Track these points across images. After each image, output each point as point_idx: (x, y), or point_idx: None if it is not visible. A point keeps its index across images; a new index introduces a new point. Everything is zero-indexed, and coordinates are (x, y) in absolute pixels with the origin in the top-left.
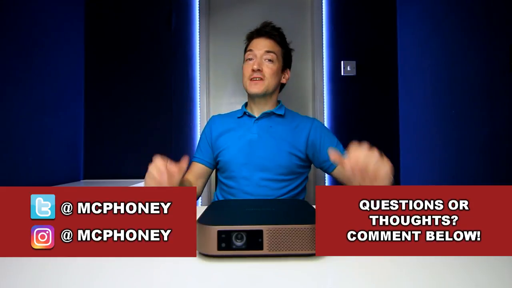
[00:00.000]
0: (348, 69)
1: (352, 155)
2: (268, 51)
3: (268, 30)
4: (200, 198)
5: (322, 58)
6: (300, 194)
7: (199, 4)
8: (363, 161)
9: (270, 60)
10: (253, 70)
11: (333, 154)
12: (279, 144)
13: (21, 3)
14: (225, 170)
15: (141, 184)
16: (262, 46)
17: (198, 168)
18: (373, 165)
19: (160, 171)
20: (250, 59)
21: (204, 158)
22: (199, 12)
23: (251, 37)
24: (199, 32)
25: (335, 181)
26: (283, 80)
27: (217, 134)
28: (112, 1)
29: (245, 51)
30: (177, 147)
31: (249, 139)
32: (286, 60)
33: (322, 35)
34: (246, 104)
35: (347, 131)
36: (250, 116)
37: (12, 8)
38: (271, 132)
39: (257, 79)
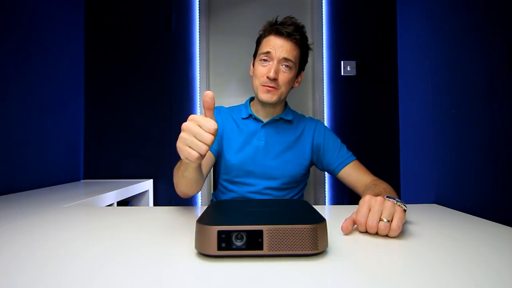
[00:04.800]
0: (348, 69)
1: (359, 222)
2: (286, 59)
3: (290, 31)
4: (200, 197)
5: (322, 58)
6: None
7: (199, 4)
8: (371, 231)
9: (287, 67)
10: (268, 78)
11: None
12: (285, 153)
13: (21, 3)
14: (228, 173)
15: (141, 184)
16: (281, 50)
17: (207, 157)
18: (382, 233)
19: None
20: (265, 60)
21: (213, 146)
22: (199, 12)
23: (269, 31)
24: (199, 32)
25: (336, 184)
26: (296, 85)
27: (222, 128)
28: (112, 1)
29: (259, 43)
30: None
31: (255, 145)
32: (302, 63)
33: (322, 35)
34: (250, 100)
35: (347, 131)
36: (256, 119)
37: (12, 8)
38: (278, 139)
39: (271, 87)
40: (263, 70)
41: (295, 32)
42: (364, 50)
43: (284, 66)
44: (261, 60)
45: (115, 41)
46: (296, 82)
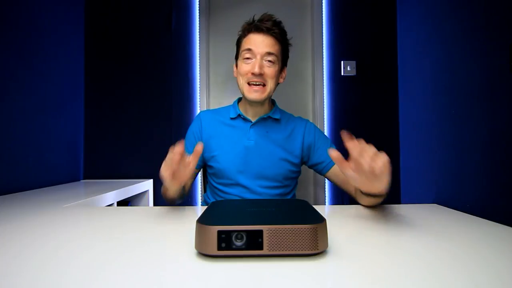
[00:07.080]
0: (348, 69)
1: (349, 147)
2: (269, 53)
3: (269, 26)
4: (200, 197)
5: (322, 58)
6: (289, 195)
7: (199, 4)
8: (358, 155)
9: (270, 61)
10: (253, 74)
11: (334, 153)
12: (275, 151)
13: (21, 3)
14: (221, 176)
15: (141, 184)
16: (263, 45)
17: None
18: (369, 159)
19: (176, 161)
20: (248, 58)
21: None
22: (199, 12)
23: (248, 30)
24: (199, 32)
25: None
26: (281, 80)
27: (209, 135)
28: (112, 1)
29: (239, 44)
30: None
31: (245, 145)
32: (284, 59)
33: (322, 35)
34: (238, 100)
35: (347, 131)
36: (245, 119)
37: (12, 8)
38: (268, 138)
39: (258, 84)
40: (246, 68)
41: (274, 27)
42: (364, 50)
43: (267, 61)
44: (244, 58)
45: (115, 41)
46: (281, 78)
